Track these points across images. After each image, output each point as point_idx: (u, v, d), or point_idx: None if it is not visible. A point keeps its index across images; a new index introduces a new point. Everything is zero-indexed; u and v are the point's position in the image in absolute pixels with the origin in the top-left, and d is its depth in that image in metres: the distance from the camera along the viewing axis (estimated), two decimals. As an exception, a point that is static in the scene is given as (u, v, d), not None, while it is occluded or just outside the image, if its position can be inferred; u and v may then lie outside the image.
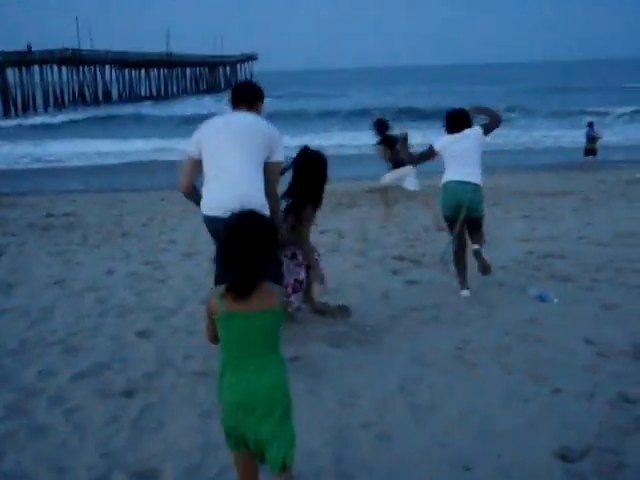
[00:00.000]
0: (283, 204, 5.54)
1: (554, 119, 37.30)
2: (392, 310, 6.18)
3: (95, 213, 12.44)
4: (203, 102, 61.80)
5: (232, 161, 4.82)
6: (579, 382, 4.55)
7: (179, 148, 28.93)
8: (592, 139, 19.63)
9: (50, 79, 62.87)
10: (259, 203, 4.62)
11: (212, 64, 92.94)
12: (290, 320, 5.77)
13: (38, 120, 46.95)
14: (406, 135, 9.12)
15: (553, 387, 4.49)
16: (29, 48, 59.85)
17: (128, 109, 53.70)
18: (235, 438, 2.91)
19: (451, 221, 6.69)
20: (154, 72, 79.60)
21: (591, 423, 4.00)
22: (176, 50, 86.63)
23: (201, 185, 5.02)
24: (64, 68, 64.50)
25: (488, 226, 9.68)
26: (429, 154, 6.87)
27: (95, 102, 65.86)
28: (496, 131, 6.82)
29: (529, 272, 7.34)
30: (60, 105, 61.70)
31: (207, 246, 7.70)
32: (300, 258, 5.67)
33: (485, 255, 6.70)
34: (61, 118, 48.15)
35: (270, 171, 4.99)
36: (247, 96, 5.17)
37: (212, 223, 4.79)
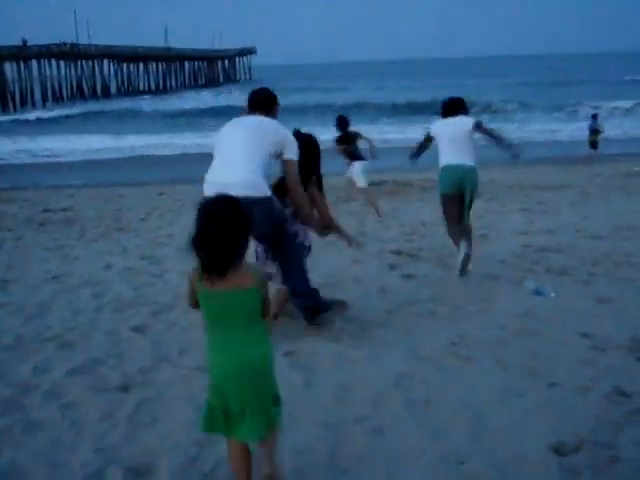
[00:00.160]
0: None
1: (552, 112, 37.30)
2: (389, 304, 6.17)
3: (93, 208, 12.43)
4: (202, 96, 61.78)
5: (236, 148, 5.14)
6: (575, 376, 4.55)
7: (177, 142, 28.97)
8: (595, 131, 19.60)
9: (48, 73, 62.77)
10: (253, 183, 4.98)
11: (211, 58, 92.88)
12: (286, 314, 5.80)
13: (36, 115, 46.93)
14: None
15: (549, 381, 4.48)
16: (24, 42, 59.68)
17: (126, 103, 53.64)
18: (222, 412, 3.07)
19: (450, 197, 7.04)
20: (153, 66, 79.51)
21: (586, 417, 4.00)
22: (174, 45, 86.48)
23: None
24: (62, 62, 64.42)
25: (485, 219, 9.74)
26: (426, 140, 7.30)
27: (94, 96, 65.81)
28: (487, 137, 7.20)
29: (526, 266, 7.34)
30: (58, 99, 61.62)
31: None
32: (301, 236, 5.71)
33: (470, 265, 7.02)
34: (59, 112, 48.15)
35: (287, 168, 5.30)
36: (263, 102, 5.51)
37: None
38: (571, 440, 3.73)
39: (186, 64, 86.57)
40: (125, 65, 75.05)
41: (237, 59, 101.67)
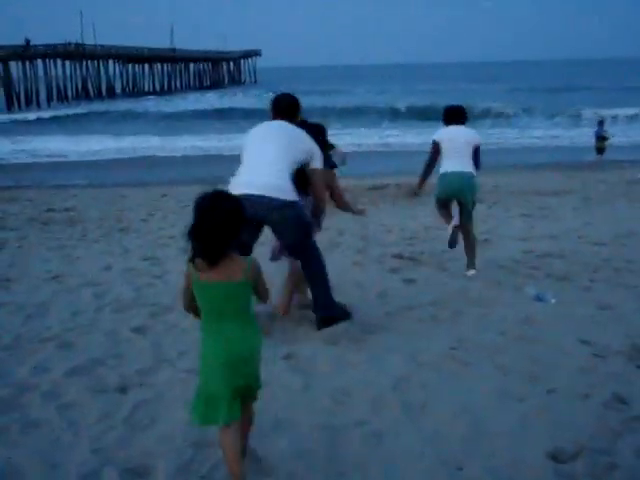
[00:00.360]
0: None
1: (553, 118, 37.30)
2: (389, 308, 6.17)
3: (96, 208, 12.44)
4: (206, 98, 61.80)
5: (267, 151, 5.36)
6: (574, 383, 4.54)
7: (180, 144, 29.00)
8: (601, 138, 19.58)
9: (54, 73, 62.89)
10: (283, 187, 5.27)
11: (215, 60, 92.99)
12: (284, 317, 5.81)
13: (39, 114, 47.03)
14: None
15: (548, 387, 4.47)
16: (27, 42, 59.71)
17: (131, 104, 53.72)
18: (215, 398, 3.22)
19: (444, 202, 7.34)
20: (158, 67, 79.64)
21: (585, 424, 3.98)
22: (179, 47, 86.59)
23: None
24: (67, 62, 64.53)
25: (487, 224, 9.74)
26: (435, 152, 7.31)
27: (99, 97, 65.93)
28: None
29: (527, 271, 7.32)
30: (63, 99, 61.74)
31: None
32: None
33: (473, 271, 7.23)
34: (65, 111, 48.25)
35: (314, 176, 5.56)
36: (286, 109, 5.70)
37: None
38: (570, 447, 3.72)
39: (191, 66, 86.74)
40: (130, 66, 75.22)
41: (242, 61, 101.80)
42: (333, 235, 9.28)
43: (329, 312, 5.62)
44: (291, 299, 6.00)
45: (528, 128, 33.66)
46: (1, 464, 3.67)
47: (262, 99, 43.82)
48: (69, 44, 64.29)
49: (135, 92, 73.28)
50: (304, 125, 5.80)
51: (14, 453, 3.77)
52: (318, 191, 5.64)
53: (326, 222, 9.98)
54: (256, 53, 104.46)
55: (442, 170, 7.19)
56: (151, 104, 54.75)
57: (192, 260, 3.18)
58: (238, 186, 5.22)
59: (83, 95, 65.26)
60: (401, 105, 42.59)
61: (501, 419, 4.07)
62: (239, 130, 27.83)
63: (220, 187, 3.46)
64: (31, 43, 60.20)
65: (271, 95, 6.04)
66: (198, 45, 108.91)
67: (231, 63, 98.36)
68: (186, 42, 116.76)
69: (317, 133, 5.81)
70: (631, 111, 36.25)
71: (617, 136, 23.61)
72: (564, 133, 30.91)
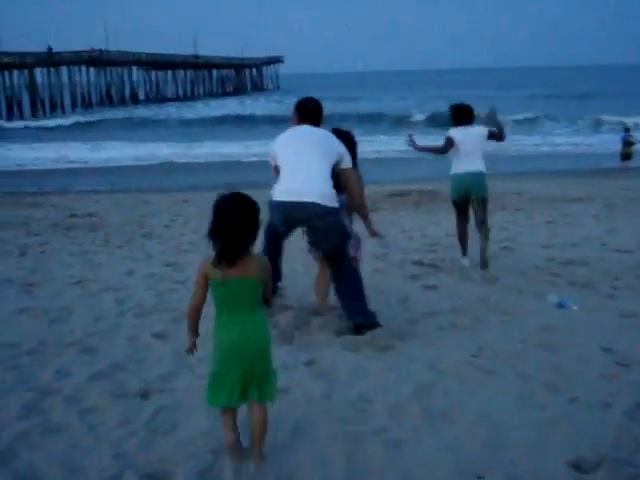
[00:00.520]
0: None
1: (574, 125, 37.06)
2: (410, 315, 6.15)
3: (118, 213, 12.53)
4: (228, 104, 62.05)
5: (307, 158, 5.45)
6: (596, 391, 4.49)
7: (201, 151, 29.14)
8: (628, 143, 19.49)
9: (78, 80, 63.48)
10: (328, 194, 5.39)
11: (238, 66, 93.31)
12: (307, 324, 5.81)
13: (62, 121, 47.47)
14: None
15: (569, 396, 4.43)
16: (50, 49, 60.28)
17: (153, 111, 54.09)
18: (234, 381, 3.51)
19: (459, 204, 7.75)
20: (181, 74, 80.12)
21: (607, 433, 3.94)
22: (202, 53, 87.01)
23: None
24: (92, 69, 65.12)
25: (509, 231, 9.69)
26: (449, 145, 7.62)
27: (122, 103, 66.44)
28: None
29: (549, 278, 7.28)
30: (87, 106, 62.29)
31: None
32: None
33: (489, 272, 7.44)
34: (88, 118, 48.71)
35: (348, 176, 5.66)
36: (312, 113, 5.81)
37: (281, 207, 5.44)
38: (591, 456, 3.68)
39: (214, 72, 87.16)
40: (153, 72, 75.74)
41: (264, 68, 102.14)
42: (354, 241, 9.28)
43: (367, 319, 5.66)
44: (327, 297, 6.09)
45: (549, 135, 33.49)
46: (22, 468, 3.70)
47: (284, 105, 43.90)
48: (93, 51, 64.88)
49: (158, 98, 73.78)
50: (336, 132, 5.88)
51: (35, 457, 3.80)
52: (354, 187, 5.70)
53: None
54: (278, 60, 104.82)
55: (453, 171, 7.62)
56: (173, 110, 55.10)
57: (217, 263, 3.40)
58: (282, 194, 5.38)
59: (107, 101, 65.81)
60: (420, 112, 42.52)
61: (522, 427, 4.03)
62: (260, 136, 28.02)
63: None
64: (54, 50, 60.79)
65: (294, 101, 6.06)
66: (221, 52, 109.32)
67: (254, 69, 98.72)
68: (209, 49, 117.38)
69: (347, 141, 5.87)
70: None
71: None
72: (585, 140, 30.71)
